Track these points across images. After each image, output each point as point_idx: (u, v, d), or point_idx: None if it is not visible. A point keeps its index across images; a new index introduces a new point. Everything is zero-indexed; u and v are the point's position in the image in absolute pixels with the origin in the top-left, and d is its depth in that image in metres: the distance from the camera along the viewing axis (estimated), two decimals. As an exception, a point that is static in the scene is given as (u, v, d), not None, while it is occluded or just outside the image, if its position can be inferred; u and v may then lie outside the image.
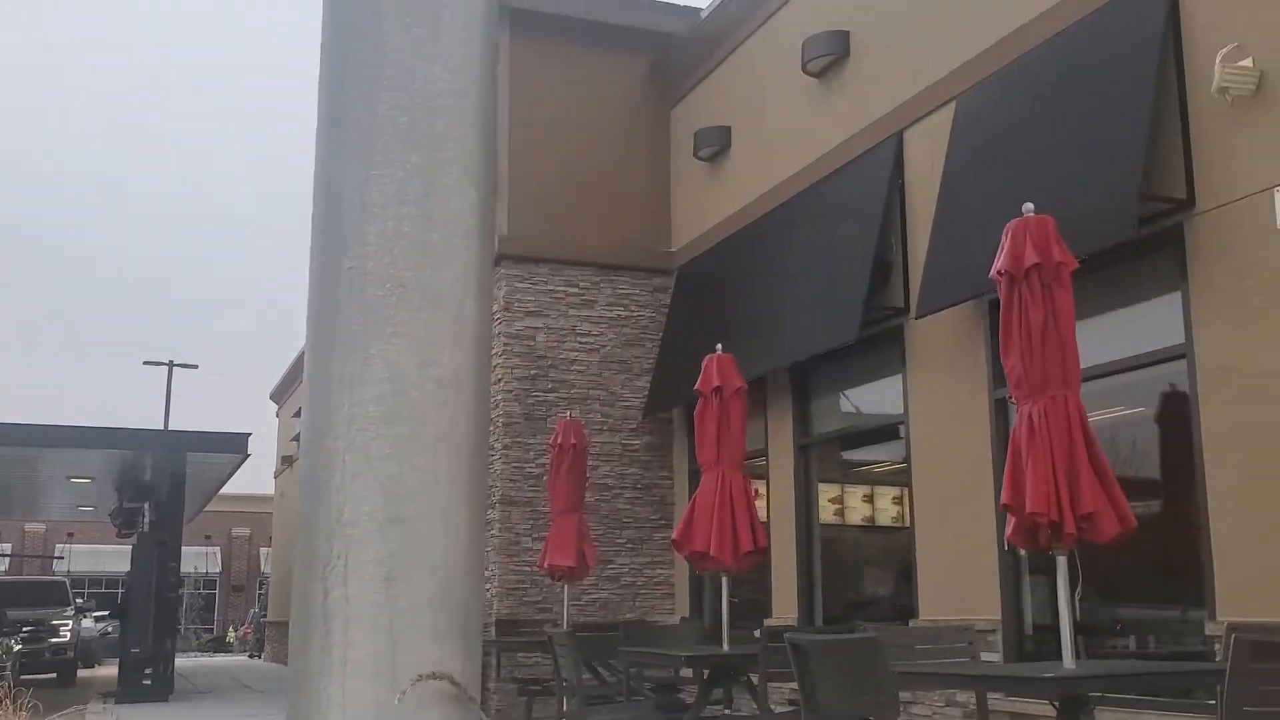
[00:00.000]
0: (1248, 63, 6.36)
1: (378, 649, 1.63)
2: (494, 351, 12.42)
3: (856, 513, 10.65)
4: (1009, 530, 5.18)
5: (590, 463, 12.04)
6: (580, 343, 12.43)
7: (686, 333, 11.98)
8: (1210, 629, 6.29)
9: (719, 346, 8.43)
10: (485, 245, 1.82)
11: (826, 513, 10.54)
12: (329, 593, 1.66)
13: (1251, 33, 6.39)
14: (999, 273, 5.30)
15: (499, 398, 12.14)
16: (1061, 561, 5.08)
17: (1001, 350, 5.33)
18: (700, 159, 12.39)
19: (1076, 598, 5.09)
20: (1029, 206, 5.38)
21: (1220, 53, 6.38)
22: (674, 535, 8.30)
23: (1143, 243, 6.83)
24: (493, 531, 11.98)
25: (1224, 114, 6.49)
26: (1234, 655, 4.05)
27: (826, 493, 10.60)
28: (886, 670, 4.60)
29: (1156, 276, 7.00)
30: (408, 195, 1.74)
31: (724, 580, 8.22)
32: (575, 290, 12.51)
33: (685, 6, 12.82)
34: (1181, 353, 6.68)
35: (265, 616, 34.41)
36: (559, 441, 10.74)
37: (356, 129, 1.75)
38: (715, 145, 12.11)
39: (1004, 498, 5.09)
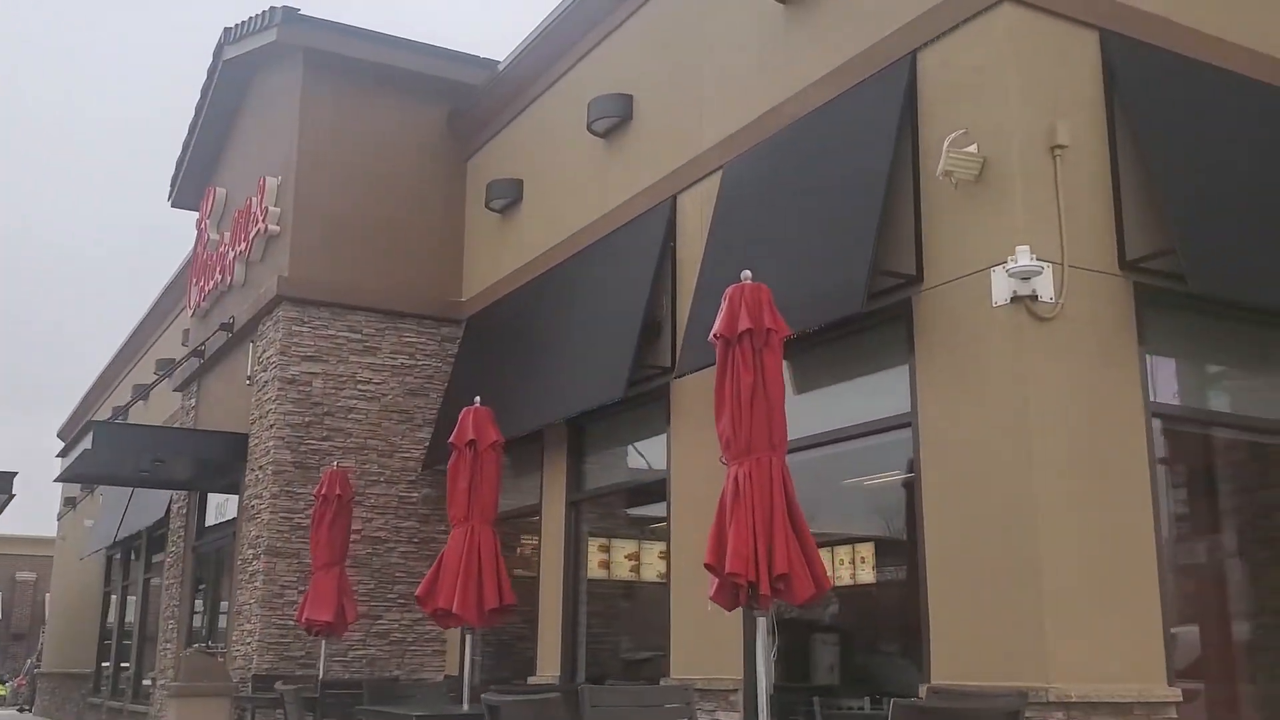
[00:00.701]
0: (973, 149, 6.70)
1: None
2: (267, 397, 12.03)
3: (624, 569, 10.67)
4: (711, 590, 5.24)
5: (364, 515, 11.76)
6: (360, 390, 12.16)
7: (470, 384, 11.84)
8: (923, 692, 6.48)
9: (476, 399, 8.35)
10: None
11: (594, 569, 10.52)
12: None
13: (978, 121, 6.75)
14: (715, 336, 5.41)
15: (270, 444, 11.74)
16: (761, 622, 5.16)
17: (715, 412, 5.42)
18: (492, 210, 12.38)
19: (773, 658, 5.16)
20: (747, 274, 5.52)
21: (948, 138, 6.72)
22: (417, 592, 8.13)
23: (876, 314, 7.10)
24: (256, 584, 11.52)
25: (950, 196, 6.81)
26: None
27: (595, 548, 10.59)
28: (570, 731, 4.57)
29: (889, 348, 7.26)
30: None
31: (467, 638, 8.08)
32: (357, 336, 12.25)
33: (484, 58, 12.85)
34: (908, 421, 6.94)
35: (39, 667, 32.26)
36: (324, 492, 10.46)
37: None
38: (507, 197, 12.12)
39: (706, 557, 5.15)
